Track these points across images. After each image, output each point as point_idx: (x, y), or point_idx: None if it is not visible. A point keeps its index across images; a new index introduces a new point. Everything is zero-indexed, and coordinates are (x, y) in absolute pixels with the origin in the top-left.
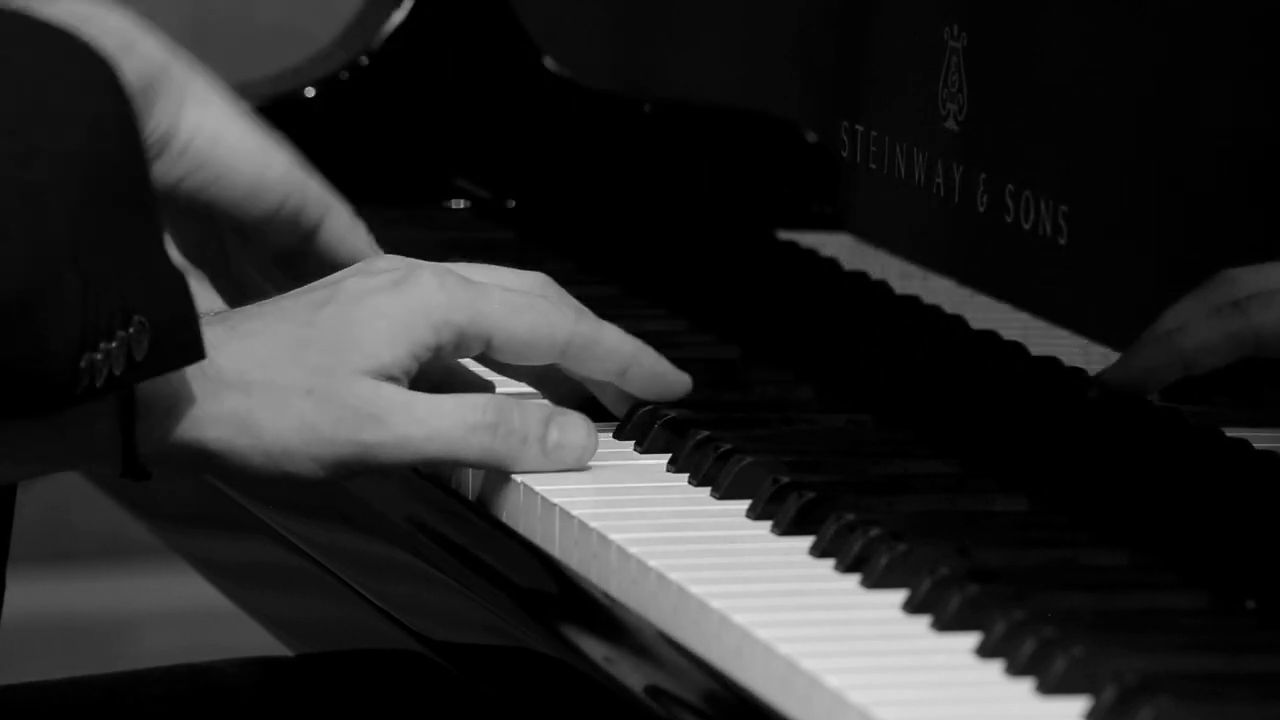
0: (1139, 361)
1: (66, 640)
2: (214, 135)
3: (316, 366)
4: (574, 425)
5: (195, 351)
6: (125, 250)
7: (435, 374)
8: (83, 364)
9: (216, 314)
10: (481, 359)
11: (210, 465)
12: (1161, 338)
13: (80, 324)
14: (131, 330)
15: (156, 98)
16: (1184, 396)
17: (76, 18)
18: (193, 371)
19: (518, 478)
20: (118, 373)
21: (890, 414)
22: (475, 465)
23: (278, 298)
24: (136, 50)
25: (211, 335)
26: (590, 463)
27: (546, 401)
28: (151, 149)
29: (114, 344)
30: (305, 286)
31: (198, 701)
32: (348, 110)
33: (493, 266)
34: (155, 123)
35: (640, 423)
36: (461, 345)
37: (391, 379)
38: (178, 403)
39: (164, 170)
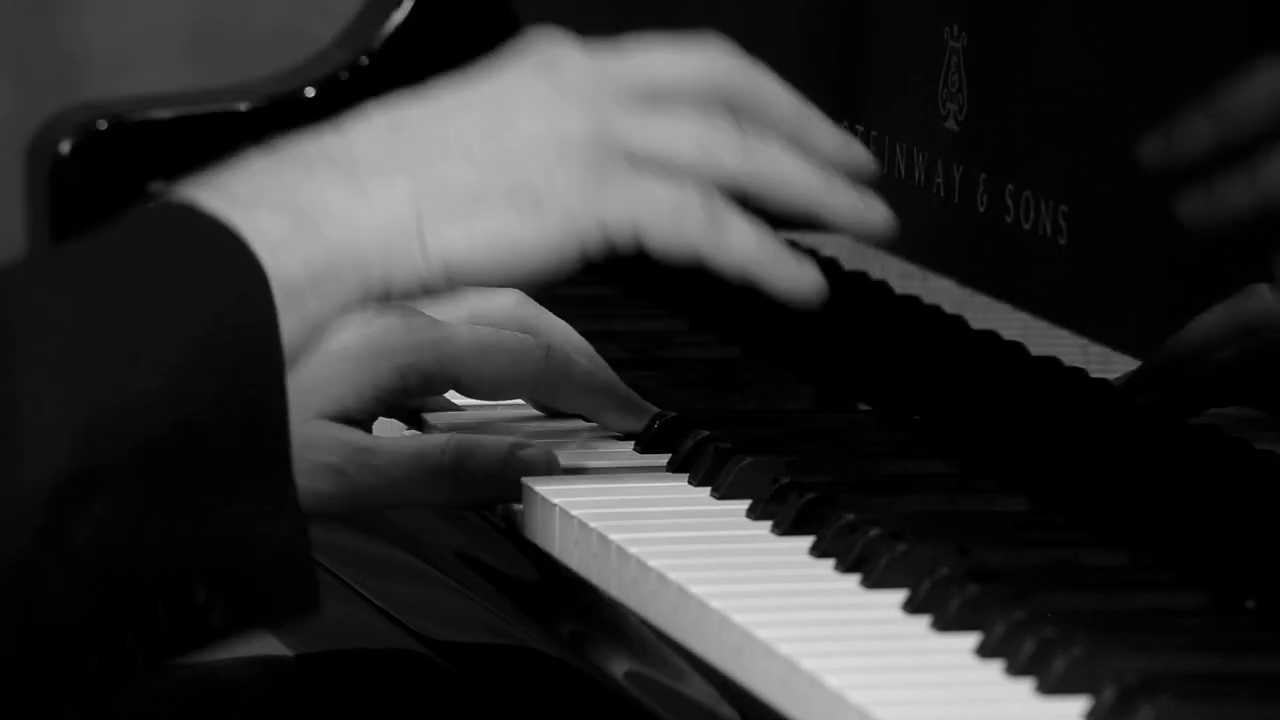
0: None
1: None
2: (467, 246)
3: None
4: (535, 460)
5: (305, 603)
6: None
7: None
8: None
9: None
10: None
11: None
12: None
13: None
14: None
15: (354, 267)
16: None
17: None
18: None
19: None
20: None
21: (890, 414)
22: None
23: None
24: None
25: None
26: (591, 463)
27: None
28: (394, 297)
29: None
30: None
31: (199, 702)
32: (348, 110)
33: (467, 293)
34: (361, 290)
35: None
36: (428, 387)
37: (355, 422)
38: None
39: (451, 297)
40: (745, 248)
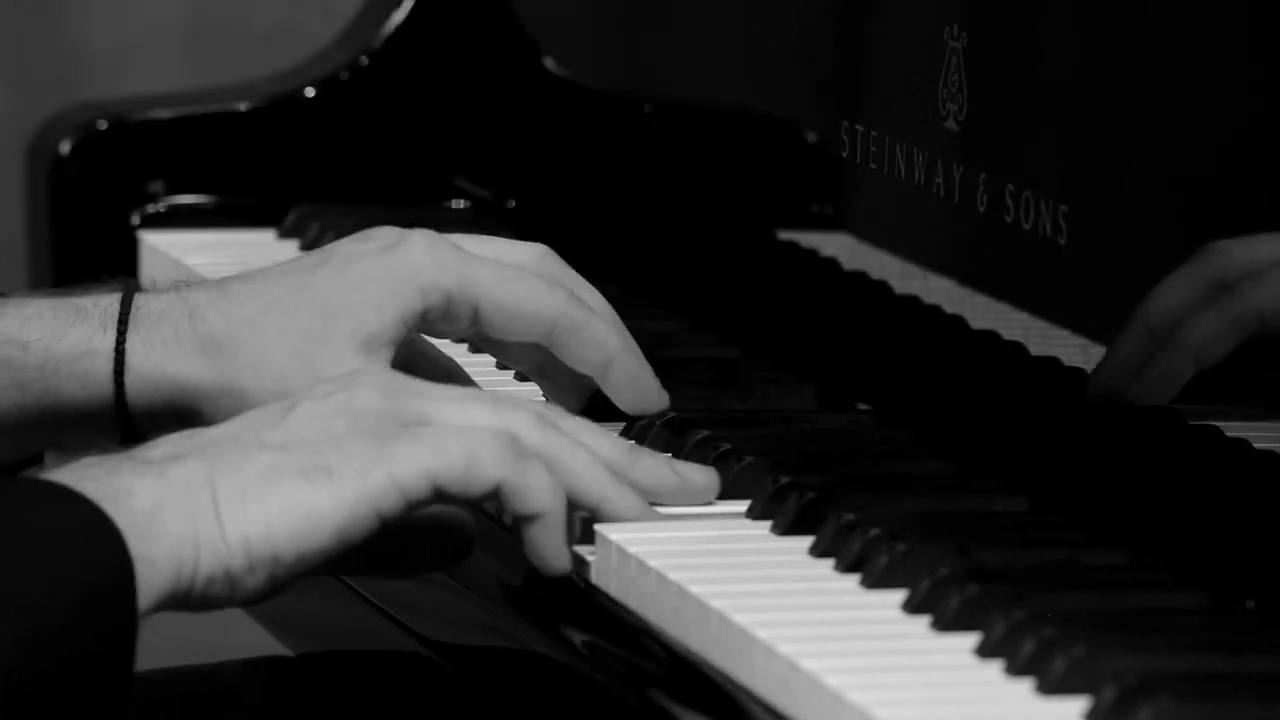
0: (1154, 369)
1: None
2: (265, 525)
3: (306, 331)
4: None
5: None
6: None
7: (403, 355)
8: None
9: (210, 280)
10: (474, 342)
11: (193, 421)
12: (1168, 343)
13: None
14: None
15: (179, 547)
16: (1198, 397)
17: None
18: (181, 324)
19: None
20: None
21: (890, 414)
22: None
23: (273, 265)
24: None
25: (203, 295)
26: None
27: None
28: (196, 591)
29: None
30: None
31: (199, 702)
32: (348, 110)
33: (492, 238)
34: (189, 569)
35: (640, 422)
36: (449, 312)
37: (381, 345)
38: (167, 361)
39: (254, 583)
40: (543, 489)
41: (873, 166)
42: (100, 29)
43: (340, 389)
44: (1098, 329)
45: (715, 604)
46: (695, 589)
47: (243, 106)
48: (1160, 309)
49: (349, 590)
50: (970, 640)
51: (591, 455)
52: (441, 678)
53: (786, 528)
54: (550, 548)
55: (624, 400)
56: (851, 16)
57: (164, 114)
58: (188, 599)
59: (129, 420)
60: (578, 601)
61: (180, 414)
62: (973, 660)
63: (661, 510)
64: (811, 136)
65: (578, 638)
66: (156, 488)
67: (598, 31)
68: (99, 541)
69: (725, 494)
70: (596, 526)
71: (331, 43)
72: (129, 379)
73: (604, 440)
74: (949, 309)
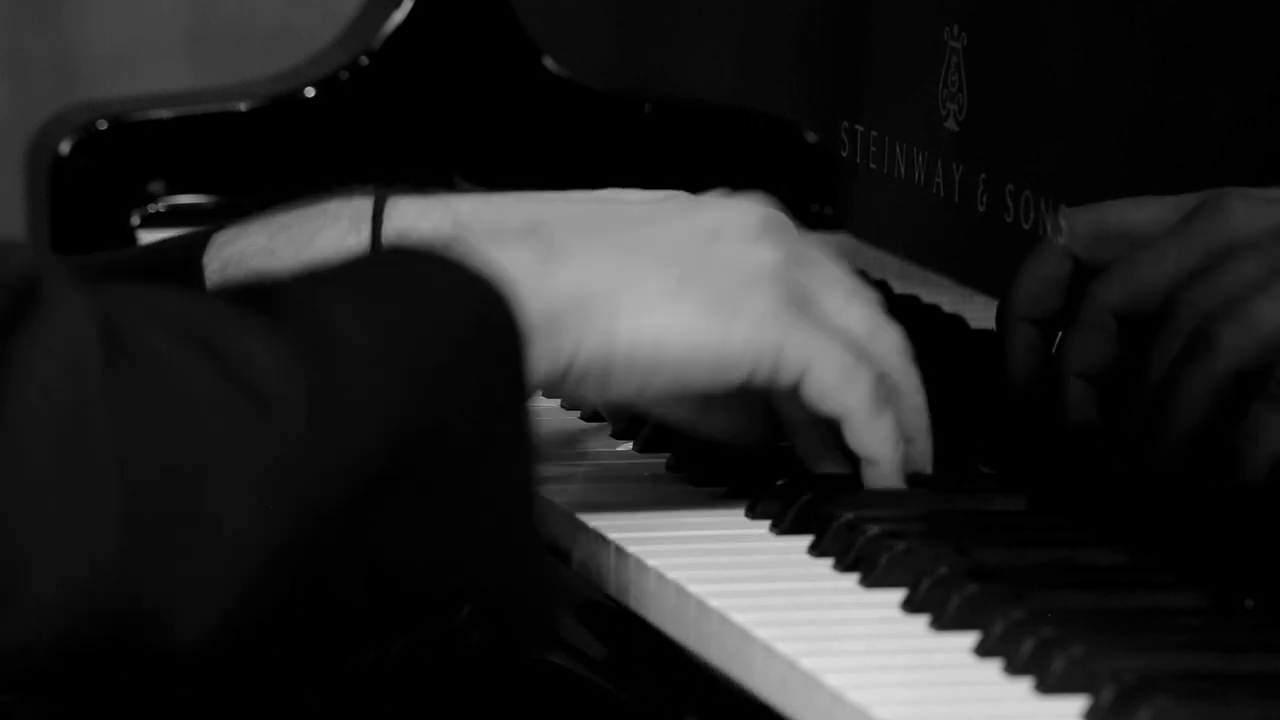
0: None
1: None
2: (656, 338)
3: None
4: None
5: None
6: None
7: None
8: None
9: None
10: None
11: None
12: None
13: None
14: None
15: (566, 327)
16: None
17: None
18: (442, 225)
19: None
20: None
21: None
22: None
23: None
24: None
25: (468, 204)
26: (589, 462)
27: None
28: (571, 377)
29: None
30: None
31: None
32: (348, 110)
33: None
34: (567, 351)
35: (638, 422)
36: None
37: None
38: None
39: (621, 387)
40: (887, 440)
41: (873, 166)
42: (100, 29)
43: (746, 240)
44: None
45: (714, 603)
46: (694, 588)
47: (243, 106)
48: (1028, 295)
49: None
50: (969, 639)
51: (924, 404)
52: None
53: (786, 527)
54: (878, 483)
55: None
56: (851, 16)
57: (164, 114)
58: (562, 382)
59: None
60: (576, 600)
61: None
62: (972, 659)
63: (662, 510)
64: (811, 136)
65: (576, 636)
66: (551, 270)
67: (598, 31)
68: (492, 306)
69: (725, 493)
70: (595, 526)
71: (331, 43)
72: None
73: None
74: (949, 309)
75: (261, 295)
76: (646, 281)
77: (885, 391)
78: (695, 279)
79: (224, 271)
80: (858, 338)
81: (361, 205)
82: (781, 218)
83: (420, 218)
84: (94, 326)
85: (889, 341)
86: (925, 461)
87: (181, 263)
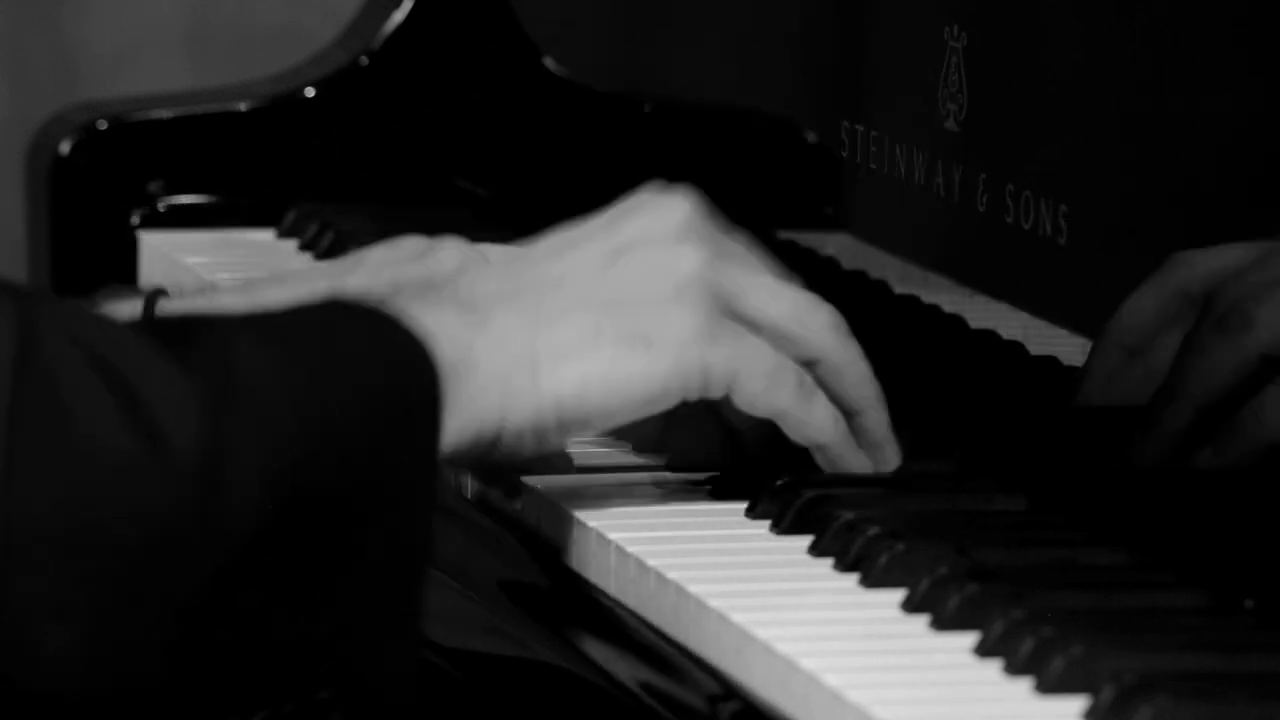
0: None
1: None
2: (579, 390)
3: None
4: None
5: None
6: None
7: None
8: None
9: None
10: None
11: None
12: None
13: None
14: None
15: (489, 393)
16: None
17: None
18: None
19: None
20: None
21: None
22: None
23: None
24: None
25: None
26: (588, 462)
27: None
28: (505, 439)
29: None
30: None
31: None
32: (348, 110)
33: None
34: (494, 416)
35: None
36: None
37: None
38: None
39: (559, 439)
40: (824, 428)
41: (873, 166)
42: (100, 29)
43: (666, 245)
44: (1097, 329)
45: (714, 603)
46: (694, 588)
47: (243, 106)
48: (1130, 322)
49: None
50: (969, 639)
51: (869, 374)
52: (440, 678)
53: (786, 527)
54: (837, 466)
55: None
56: (851, 16)
57: (164, 114)
58: (493, 448)
59: None
60: (576, 600)
61: None
62: (972, 659)
63: (661, 509)
64: (811, 136)
65: (575, 637)
66: (473, 336)
67: (598, 31)
68: (413, 369)
69: (724, 493)
70: (594, 526)
71: (331, 43)
72: None
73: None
74: (948, 309)
75: (184, 334)
76: (562, 333)
77: (812, 380)
78: (611, 316)
79: None
80: (786, 328)
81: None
82: (702, 215)
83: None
84: (13, 340)
85: (820, 321)
86: (880, 431)
87: None
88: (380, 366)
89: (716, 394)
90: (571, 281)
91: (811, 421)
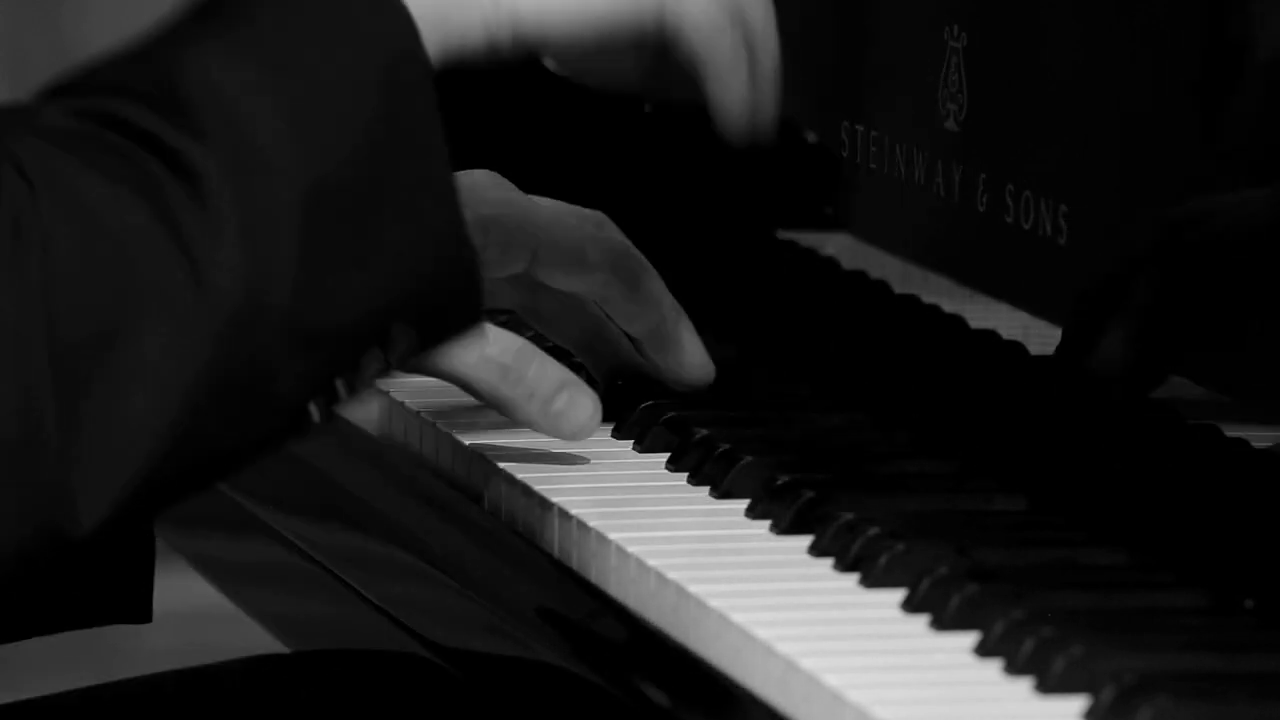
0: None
1: (66, 638)
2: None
3: None
4: (582, 400)
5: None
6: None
7: None
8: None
9: None
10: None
11: None
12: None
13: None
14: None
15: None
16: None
17: None
18: None
19: (517, 475)
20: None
21: (889, 413)
22: (477, 397)
23: None
24: None
25: None
26: (588, 461)
27: (567, 372)
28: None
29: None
30: None
31: (200, 703)
32: None
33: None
34: (456, 36)
35: (639, 421)
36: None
37: None
38: None
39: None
40: (739, 89)
41: (873, 166)
42: (100, 29)
43: None
44: None
45: (714, 603)
46: (694, 588)
47: None
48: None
49: (348, 590)
50: (969, 639)
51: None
52: (441, 679)
53: (786, 527)
54: (765, 130)
55: (677, 364)
56: (851, 16)
57: None
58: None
59: None
60: (576, 600)
61: None
62: (972, 659)
63: (661, 509)
64: (811, 136)
65: (575, 637)
66: None
67: None
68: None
69: (724, 493)
70: (595, 526)
71: None
72: None
73: None
74: (948, 309)
75: (172, 92)
76: None
77: (745, 48)
78: None
79: None
80: None
81: None
82: None
83: None
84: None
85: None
86: (767, 116)
87: None
88: (373, 36)
89: (668, 31)
90: None
91: (733, 84)
